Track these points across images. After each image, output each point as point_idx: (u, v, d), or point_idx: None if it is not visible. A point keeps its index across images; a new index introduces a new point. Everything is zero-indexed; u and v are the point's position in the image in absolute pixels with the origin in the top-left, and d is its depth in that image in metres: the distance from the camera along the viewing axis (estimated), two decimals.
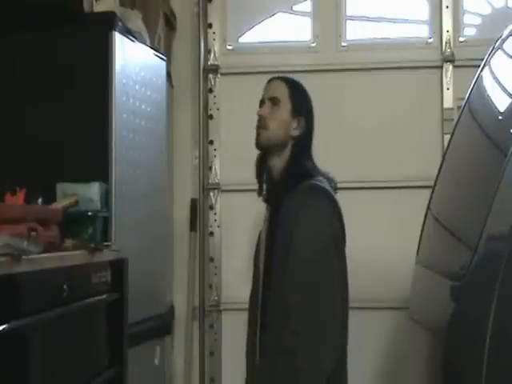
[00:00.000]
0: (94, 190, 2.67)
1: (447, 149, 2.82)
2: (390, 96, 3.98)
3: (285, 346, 2.29)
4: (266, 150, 2.55)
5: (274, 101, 2.53)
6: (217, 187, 4.07)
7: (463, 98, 2.67)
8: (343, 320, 2.43)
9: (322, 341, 2.30)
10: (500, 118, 2.20)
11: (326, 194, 2.45)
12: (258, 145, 2.54)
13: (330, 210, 2.44)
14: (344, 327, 2.44)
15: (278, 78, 2.61)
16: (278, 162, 2.52)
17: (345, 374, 2.47)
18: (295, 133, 2.52)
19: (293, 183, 2.45)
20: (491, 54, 2.51)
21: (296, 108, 2.53)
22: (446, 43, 3.98)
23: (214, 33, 4.11)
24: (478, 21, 4.11)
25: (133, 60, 2.96)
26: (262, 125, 2.53)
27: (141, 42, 3.07)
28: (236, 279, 3.94)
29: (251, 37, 4.18)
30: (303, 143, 2.53)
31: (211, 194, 4.07)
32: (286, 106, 2.52)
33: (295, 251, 2.35)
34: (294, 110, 2.52)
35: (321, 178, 2.49)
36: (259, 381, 2.48)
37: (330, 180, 2.53)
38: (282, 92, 2.54)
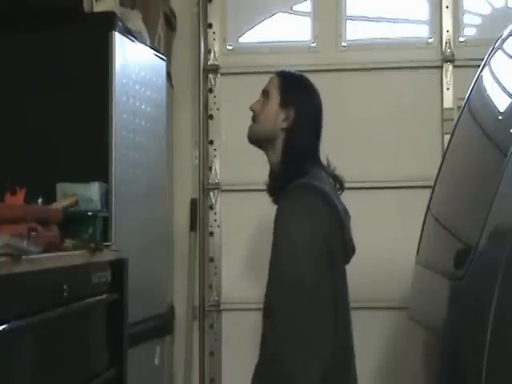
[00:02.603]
0: (93, 190, 2.67)
1: (447, 149, 2.82)
2: (390, 96, 3.98)
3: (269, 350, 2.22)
4: (255, 144, 2.48)
5: (265, 94, 2.47)
6: (217, 187, 4.07)
7: (463, 98, 2.66)
8: (337, 323, 2.26)
9: (302, 345, 2.16)
10: (500, 117, 2.20)
11: (317, 192, 2.29)
12: (248, 138, 2.48)
13: (320, 209, 2.27)
14: (338, 330, 2.27)
15: (276, 72, 2.53)
16: (274, 158, 2.44)
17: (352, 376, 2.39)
18: (283, 125, 2.41)
19: (285, 180, 2.34)
20: (491, 54, 2.51)
21: (285, 99, 2.42)
22: (446, 43, 3.98)
23: (214, 33, 4.11)
24: (478, 21, 4.11)
25: (133, 60, 2.96)
26: (252, 119, 2.48)
27: (141, 41, 3.07)
28: (236, 279, 3.95)
29: (251, 37, 4.18)
30: (294, 136, 2.40)
31: (211, 194, 4.07)
32: (274, 98, 2.44)
33: (276, 249, 2.26)
34: (282, 101, 2.42)
35: (318, 174, 2.36)
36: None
37: (335, 177, 2.45)
38: (273, 84, 2.46)
